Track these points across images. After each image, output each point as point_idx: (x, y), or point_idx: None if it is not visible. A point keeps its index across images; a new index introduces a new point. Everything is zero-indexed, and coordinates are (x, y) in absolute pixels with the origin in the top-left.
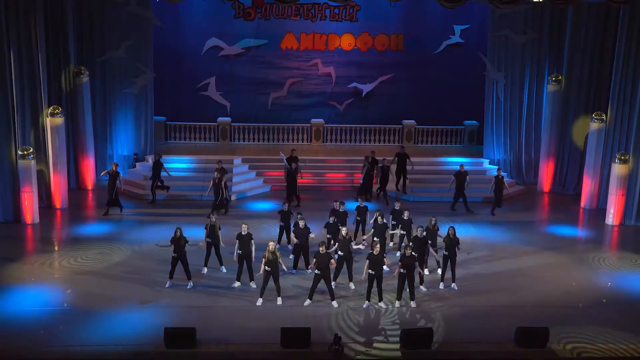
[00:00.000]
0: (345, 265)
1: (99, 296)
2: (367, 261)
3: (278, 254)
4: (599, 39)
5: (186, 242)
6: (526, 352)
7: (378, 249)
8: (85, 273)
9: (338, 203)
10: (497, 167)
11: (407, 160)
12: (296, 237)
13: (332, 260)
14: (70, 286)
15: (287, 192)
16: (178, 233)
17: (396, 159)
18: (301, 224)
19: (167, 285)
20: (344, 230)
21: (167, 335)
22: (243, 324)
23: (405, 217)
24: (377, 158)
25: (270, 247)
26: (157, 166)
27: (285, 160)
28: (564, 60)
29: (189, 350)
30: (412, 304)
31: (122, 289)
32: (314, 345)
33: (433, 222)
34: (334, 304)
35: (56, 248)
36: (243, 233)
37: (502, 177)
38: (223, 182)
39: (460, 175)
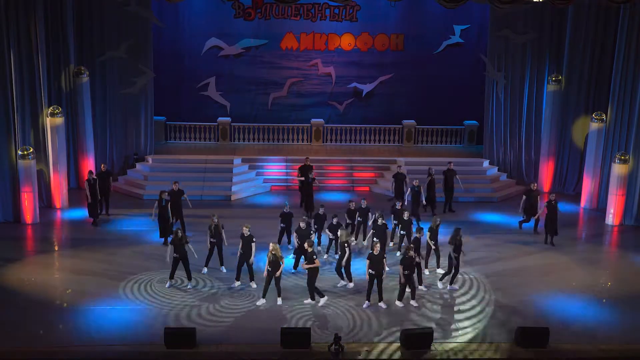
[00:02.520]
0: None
1: (99, 296)
2: (367, 261)
3: (279, 252)
4: (599, 38)
5: (187, 242)
6: (526, 352)
7: (378, 249)
8: (85, 273)
9: (353, 203)
10: (552, 193)
11: (455, 177)
12: (298, 239)
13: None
14: (70, 286)
15: (305, 203)
16: (179, 234)
17: (443, 176)
18: (302, 225)
19: (167, 286)
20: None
21: (167, 335)
22: (243, 324)
23: (405, 218)
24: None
25: (271, 247)
26: (104, 179)
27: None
28: (564, 60)
29: (189, 350)
30: (413, 302)
31: (122, 289)
32: (314, 346)
33: (438, 222)
34: (307, 301)
35: (56, 248)
36: (245, 235)
37: (556, 202)
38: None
39: (533, 194)
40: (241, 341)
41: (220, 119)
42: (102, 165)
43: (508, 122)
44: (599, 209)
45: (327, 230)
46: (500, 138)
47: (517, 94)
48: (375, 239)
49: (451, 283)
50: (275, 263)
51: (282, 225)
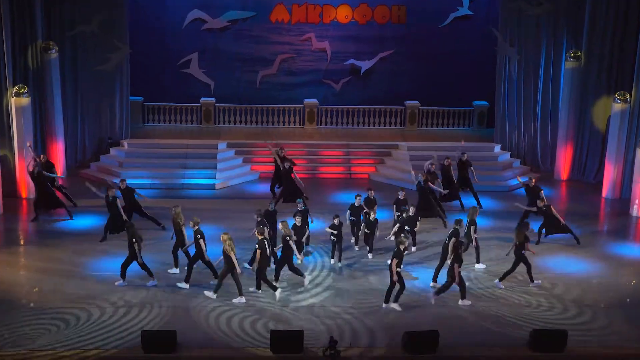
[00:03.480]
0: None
1: (69, 295)
2: (396, 260)
3: (231, 245)
4: (621, 10)
5: (133, 239)
6: (542, 357)
7: (406, 246)
8: (53, 270)
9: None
10: (542, 198)
11: (470, 169)
12: (296, 235)
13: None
14: (37, 284)
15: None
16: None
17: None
18: (297, 220)
19: (148, 284)
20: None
21: (145, 339)
22: (229, 325)
23: (411, 214)
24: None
25: (221, 238)
26: (49, 170)
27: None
28: (583, 34)
29: (169, 355)
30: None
31: (94, 287)
32: (307, 350)
33: (477, 213)
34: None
35: (22, 242)
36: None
37: (549, 206)
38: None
39: (533, 190)
40: (226, 345)
41: (203, 99)
42: (42, 156)
43: (522, 103)
44: (622, 199)
45: (328, 231)
46: (513, 120)
47: (531, 72)
48: (402, 235)
49: (501, 280)
50: (226, 257)
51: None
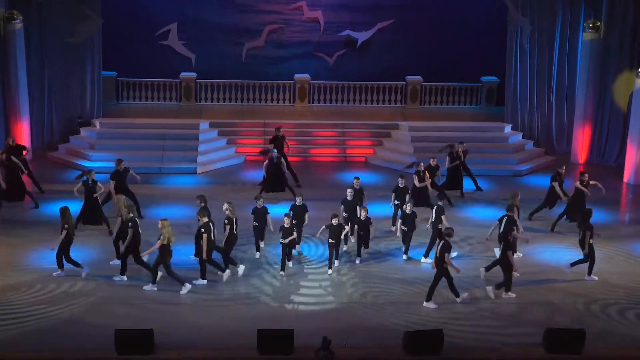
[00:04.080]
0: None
1: (36, 291)
2: (448, 254)
3: (167, 235)
4: None
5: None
6: (557, 359)
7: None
8: (19, 264)
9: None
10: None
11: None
12: (284, 237)
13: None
14: (0, 279)
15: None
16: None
17: (448, 158)
18: (286, 221)
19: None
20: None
21: (119, 338)
22: (210, 324)
23: (408, 211)
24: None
25: (160, 225)
26: (19, 153)
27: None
28: (603, 3)
29: (145, 357)
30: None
31: (62, 281)
32: (298, 351)
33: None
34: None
35: None
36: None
37: (588, 182)
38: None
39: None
40: (208, 345)
41: (183, 74)
42: (10, 139)
43: (535, 78)
44: None
45: (322, 233)
46: (525, 98)
47: (545, 44)
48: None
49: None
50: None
51: (254, 223)
